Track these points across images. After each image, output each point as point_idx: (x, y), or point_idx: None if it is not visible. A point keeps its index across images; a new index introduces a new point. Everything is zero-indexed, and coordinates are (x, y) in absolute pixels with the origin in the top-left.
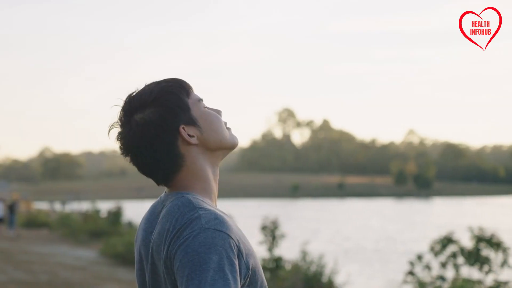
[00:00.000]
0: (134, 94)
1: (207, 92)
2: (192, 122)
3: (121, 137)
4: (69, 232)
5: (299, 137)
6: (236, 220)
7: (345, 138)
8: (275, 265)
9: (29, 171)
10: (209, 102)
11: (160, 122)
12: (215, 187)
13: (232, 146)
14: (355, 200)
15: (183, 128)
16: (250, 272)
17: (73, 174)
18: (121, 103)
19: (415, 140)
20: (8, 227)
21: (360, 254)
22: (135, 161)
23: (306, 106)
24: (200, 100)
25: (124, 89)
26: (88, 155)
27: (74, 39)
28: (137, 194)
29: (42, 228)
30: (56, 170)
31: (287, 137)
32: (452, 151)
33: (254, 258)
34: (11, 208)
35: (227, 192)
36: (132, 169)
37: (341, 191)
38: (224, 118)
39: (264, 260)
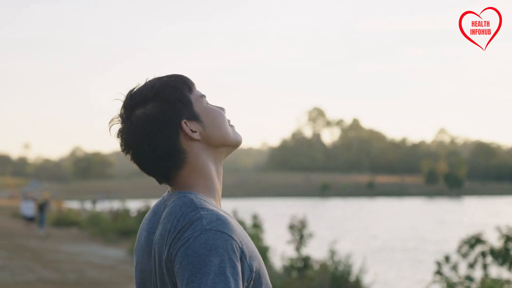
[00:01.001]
0: (135, 89)
1: (237, 91)
2: (194, 117)
3: (122, 133)
4: (98, 231)
5: (329, 136)
6: (265, 219)
7: (375, 137)
8: (302, 264)
9: (61, 171)
10: (239, 101)
11: (162, 117)
12: (218, 186)
13: (235, 143)
14: (385, 200)
15: (185, 123)
16: (254, 275)
17: (103, 173)
18: (122, 99)
19: (446, 139)
20: (38, 226)
21: (389, 254)
22: (136, 158)
23: (336, 105)
24: (203, 96)
25: None
26: (119, 154)
27: (103, 38)
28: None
29: (72, 227)
30: (87, 169)
31: (317, 136)
32: (483, 150)
33: (258, 260)
34: (41, 207)
35: (256, 192)
36: None
37: (371, 191)
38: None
39: (291, 259)
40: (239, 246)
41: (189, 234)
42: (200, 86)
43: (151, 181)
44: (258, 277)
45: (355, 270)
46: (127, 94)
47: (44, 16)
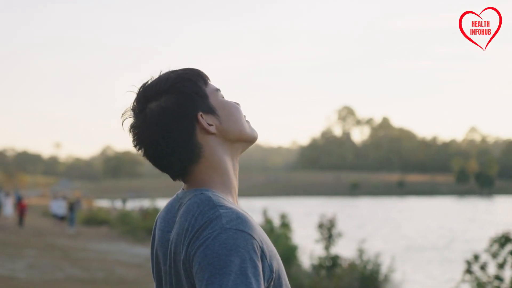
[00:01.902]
0: (148, 82)
1: (267, 90)
2: (210, 110)
3: (135, 127)
4: (128, 229)
5: (359, 135)
6: (294, 218)
7: (405, 136)
8: (331, 263)
9: (91, 170)
10: (269, 100)
11: (177, 109)
12: (235, 182)
13: (252, 139)
14: (416, 199)
15: (201, 115)
16: (274, 275)
17: (134, 172)
18: (135, 92)
19: (477, 137)
20: (68, 224)
21: (419, 253)
22: (150, 153)
23: (366, 104)
24: (218, 90)
25: None
26: None
27: (131, 38)
28: None
29: (102, 225)
30: (117, 168)
31: (347, 135)
32: None
33: (277, 260)
34: (71, 206)
35: (286, 191)
36: None
37: (401, 189)
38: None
39: (320, 258)
40: (259, 245)
41: (208, 233)
42: (229, 85)
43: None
44: (278, 277)
45: (384, 269)
46: (140, 87)
47: (73, 17)
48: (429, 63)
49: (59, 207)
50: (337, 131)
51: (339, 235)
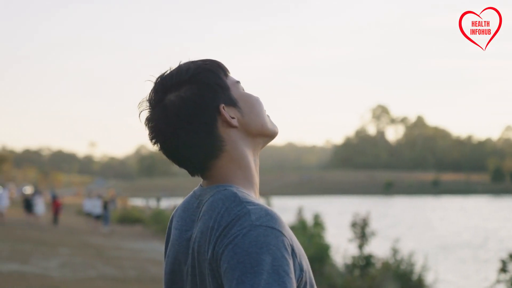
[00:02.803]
0: (167, 72)
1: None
2: (232, 102)
3: (153, 119)
4: (161, 228)
5: (393, 133)
6: (328, 217)
7: (440, 134)
8: (365, 262)
9: (126, 168)
10: (302, 99)
11: (199, 100)
12: (257, 178)
13: (273, 134)
14: (450, 198)
15: (223, 107)
16: (303, 275)
17: (168, 171)
18: (153, 82)
19: None
20: (102, 223)
21: (453, 252)
22: (169, 146)
23: (400, 103)
24: (238, 82)
25: None
26: None
27: (166, 37)
28: None
29: (136, 224)
30: (151, 167)
31: (381, 134)
32: None
33: (306, 260)
34: (105, 205)
35: (320, 190)
36: None
37: (435, 189)
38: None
39: (354, 257)
40: (289, 243)
41: (236, 230)
42: (263, 84)
43: None
44: (308, 277)
45: (417, 269)
46: (158, 77)
47: (109, 17)
48: (464, 61)
49: (95, 206)
50: (371, 130)
51: (373, 234)
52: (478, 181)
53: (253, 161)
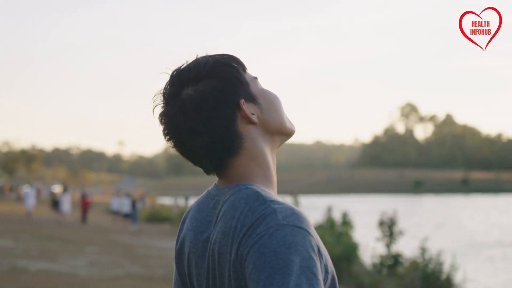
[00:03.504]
0: (184, 66)
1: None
2: (251, 98)
3: (169, 114)
4: None
5: (422, 132)
6: (356, 216)
7: (469, 132)
8: (393, 261)
9: (154, 167)
10: (331, 97)
11: (219, 94)
12: (275, 177)
13: (291, 132)
14: (480, 196)
15: (243, 103)
16: (329, 277)
17: (196, 169)
18: (169, 75)
19: None
20: (130, 222)
21: (483, 251)
22: (186, 142)
23: (429, 100)
24: (256, 78)
25: None
26: None
27: (193, 36)
28: None
29: (165, 223)
30: (180, 165)
31: (409, 132)
32: None
33: (330, 261)
34: (133, 204)
35: (349, 188)
36: None
37: (465, 187)
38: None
39: (381, 256)
40: (316, 243)
41: (262, 230)
42: (291, 83)
43: None
44: (332, 278)
45: (446, 268)
46: (174, 71)
47: (136, 17)
48: (493, 59)
49: (123, 205)
50: (400, 128)
51: (400, 233)
52: (507, 180)
53: (271, 160)
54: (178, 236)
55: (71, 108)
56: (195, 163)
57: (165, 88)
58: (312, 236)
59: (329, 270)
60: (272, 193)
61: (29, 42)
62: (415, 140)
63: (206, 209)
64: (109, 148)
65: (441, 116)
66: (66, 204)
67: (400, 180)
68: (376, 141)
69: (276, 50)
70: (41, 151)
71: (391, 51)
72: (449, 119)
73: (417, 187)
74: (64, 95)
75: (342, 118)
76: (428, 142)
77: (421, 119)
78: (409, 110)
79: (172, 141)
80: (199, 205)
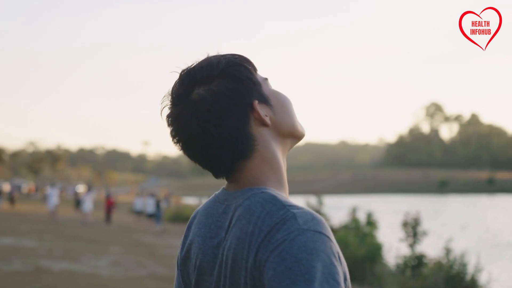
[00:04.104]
0: (193, 66)
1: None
2: (264, 99)
3: (180, 115)
4: None
5: (447, 131)
6: (381, 216)
7: (495, 132)
8: (416, 262)
9: (179, 167)
10: (355, 97)
11: (232, 95)
12: (287, 181)
13: (301, 135)
14: (506, 196)
15: (257, 104)
16: (347, 284)
17: None
18: (179, 74)
19: None
20: (155, 221)
21: (508, 252)
22: (197, 144)
23: (454, 100)
24: (266, 79)
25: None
26: None
27: (218, 35)
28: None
29: None
30: None
31: (435, 132)
32: None
33: (347, 268)
34: (157, 204)
35: (373, 188)
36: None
37: (491, 187)
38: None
39: (405, 257)
40: (336, 249)
41: (283, 235)
42: (315, 82)
43: None
44: (347, 285)
45: (470, 269)
46: (183, 72)
47: (160, 19)
48: None
49: (147, 205)
50: (425, 128)
51: (424, 233)
52: None
53: (283, 163)
54: (183, 242)
55: (97, 109)
56: (205, 166)
57: (173, 88)
58: (332, 242)
59: (347, 277)
60: (286, 197)
61: (55, 43)
62: (440, 140)
63: (215, 214)
64: (134, 148)
65: (466, 116)
66: (88, 203)
67: (425, 180)
68: (401, 141)
69: (300, 49)
70: (66, 151)
71: (416, 50)
72: (474, 119)
73: (442, 187)
74: (89, 96)
75: (367, 118)
76: (453, 142)
77: (446, 119)
78: (434, 110)
79: (181, 143)
80: (206, 210)
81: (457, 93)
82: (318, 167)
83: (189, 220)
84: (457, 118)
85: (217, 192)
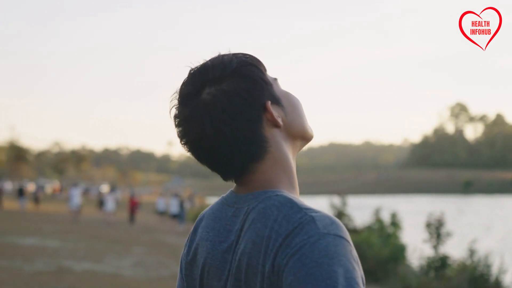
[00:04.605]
0: (205, 64)
1: (377, 87)
2: (276, 100)
3: (191, 115)
4: None
5: (472, 132)
6: (405, 217)
7: None
8: (440, 263)
9: (203, 167)
10: (379, 97)
11: (246, 95)
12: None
13: (311, 137)
14: None
15: (269, 104)
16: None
17: None
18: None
19: None
20: (178, 222)
21: None
22: (208, 145)
23: (479, 100)
24: (276, 79)
25: (293, 83)
26: None
27: (247, 35)
28: (308, 190)
29: None
30: None
31: (459, 132)
32: None
33: (362, 272)
34: (181, 204)
35: (397, 188)
36: (306, 164)
37: None
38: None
39: (428, 258)
40: (355, 253)
41: (302, 239)
42: (339, 82)
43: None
44: None
45: (495, 270)
46: (194, 69)
47: (185, 19)
48: None
49: (171, 205)
50: (450, 128)
51: (448, 234)
52: None
53: (294, 165)
54: (189, 246)
55: (121, 109)
56: (215, 167)
57: (182, 87)
58: (351, 246)
59: (364, 281)
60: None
61: (82, 43)
62: (465, 140)
63: (224, 218)
64: (158, 148)
65: (491, 116)
66: (111, 203)
67: (449, 181)
68: (425, 141)
69: (326, 49)
70: (91, 152)
71: (440, 50)
72: (499, 119)
73: (467, 188)
74: (114, 96)
75: (391, 118)
76: (478, 142)
77: (471, 119)
78: (459, 110)
79: (191, 144)
80: (214, 214)
81: (482, 93)
82: (342, 167)
83: (195, 223)
84: (482, 118)
85: (224, 195)
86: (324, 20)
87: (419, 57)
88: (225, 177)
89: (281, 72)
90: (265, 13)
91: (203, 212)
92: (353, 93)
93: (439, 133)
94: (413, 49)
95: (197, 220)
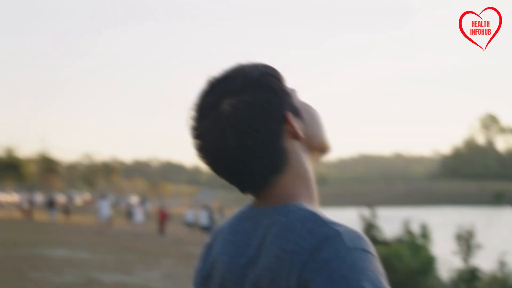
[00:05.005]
0: (226, 74)
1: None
2: (295, 111)
3: (210, 127)
4: None
5: (503, 143)
6: (435, 228)
7: None
8: (470, 276)
9: None
10: (410, 108)
11: (267, 106)
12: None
13: (329, 149)
14: None
15: (290, 116)
16: None
17: None
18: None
19: None
20: (208, 234)
21: None
22: (229, 157)
23: (510, 112)
24: (295, 90)
25: (321, 97)
26: None
27: (278, 47)
28: (338, 201)
29: None
30: None
31: (490, 144)
32: None
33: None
34: (211, 215)
35: (428, 200)
36: (336, 175)
37: None
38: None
39: (458, 270)
40: (381, 267)
41: (329, 254)
42: (369, 94)
43: (321, 189)
44: None
45: None
46: (213, 80)
47: (215, 31)
48: None
49: (200, 217)
50: (480, 140)
51: (478, 246)
52: None
53: (313, 177)
54: (204, 261)
55: (151, 122)
56: (234, 180)
57: (200, 98)
58: (377, 260)
59: None
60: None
61: (111, 57)
62: (495, 152)
63: (242, 231)
64: (188, 160)
65: None
66: (139, 215)
67: (480, 192)
68: (456, 153)
69: (358, 62)
70: (121, 164)
71: (471, 61)
72: None
73: (498, 199)
74: (145, 109)
75: (421, 130)
76: (509, 154)
77: (502, 130)
78: (490, 121)
79: (210, 157)
80: (232, 228)
81: None
82: (372, 178)
83: (211, 238)
84: None
85: (242, 209)
86: (355, 33)
87: (450, 68)
88: (244, 190)
89: (313, 83)
90: (297, 26)
91: (219, 225)
92: (384, 104)
93: (469, 144)
94: (444, 60)
95: (213, 234)
